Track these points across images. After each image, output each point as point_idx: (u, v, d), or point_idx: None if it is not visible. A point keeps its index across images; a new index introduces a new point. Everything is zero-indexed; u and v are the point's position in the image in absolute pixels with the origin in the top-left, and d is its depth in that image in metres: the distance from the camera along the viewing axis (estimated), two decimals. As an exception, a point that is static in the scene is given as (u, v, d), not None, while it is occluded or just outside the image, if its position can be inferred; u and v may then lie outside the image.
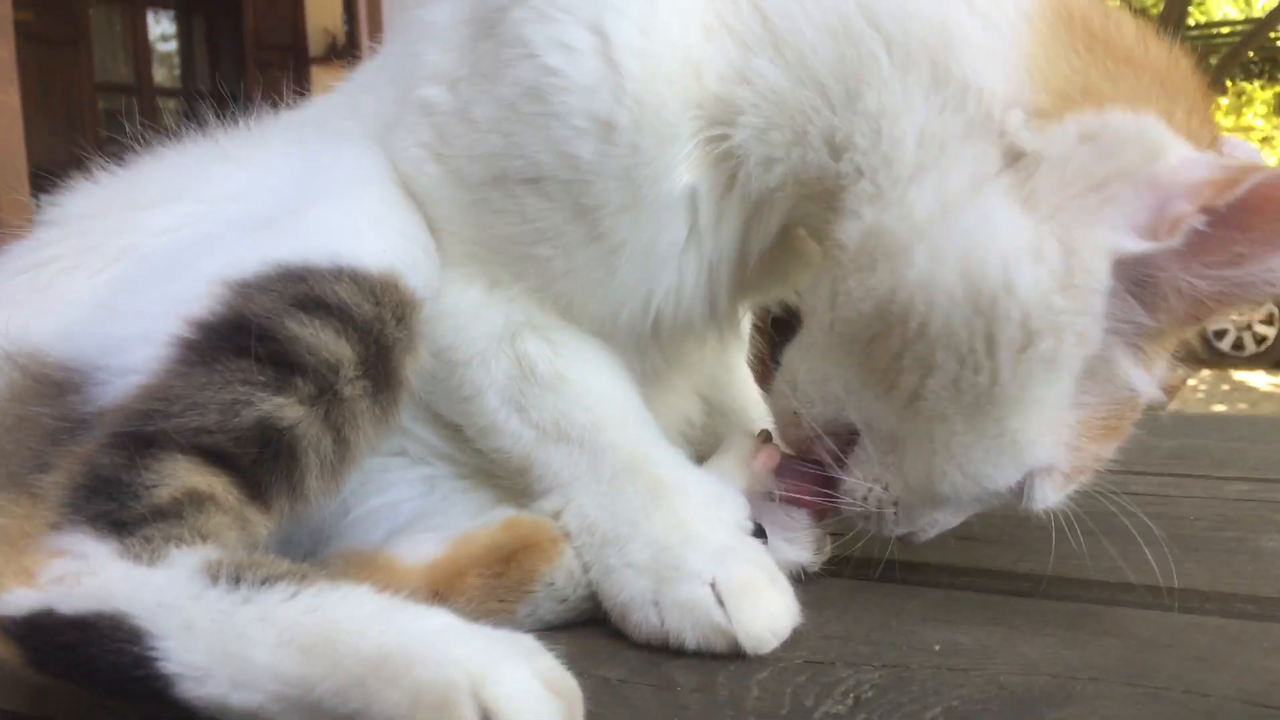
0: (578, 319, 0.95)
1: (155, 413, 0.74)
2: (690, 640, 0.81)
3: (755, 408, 1.22)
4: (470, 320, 0.94)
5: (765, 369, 1.29)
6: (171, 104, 8.39)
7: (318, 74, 7.86)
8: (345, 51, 7.94)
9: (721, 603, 0.81)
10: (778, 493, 0.95)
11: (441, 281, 0.93)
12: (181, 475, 0.73)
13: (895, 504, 0.90)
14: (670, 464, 0.91)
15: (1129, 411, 0.87)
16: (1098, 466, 0.89)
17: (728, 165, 0.90)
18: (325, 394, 0.78)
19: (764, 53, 0.86)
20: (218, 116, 1.02)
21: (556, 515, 0.90)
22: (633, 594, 0.84)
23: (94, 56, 7.62)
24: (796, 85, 0.86)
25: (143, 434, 0.73)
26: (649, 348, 1.01)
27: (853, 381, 0.89)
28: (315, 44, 8.25)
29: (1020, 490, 0.86)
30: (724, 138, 0.88)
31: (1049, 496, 0.87)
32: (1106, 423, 0.85)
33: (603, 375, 0.95)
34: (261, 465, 0.76)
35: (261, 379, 0.76)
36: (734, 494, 0.92)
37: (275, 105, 1.08)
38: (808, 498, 0.94)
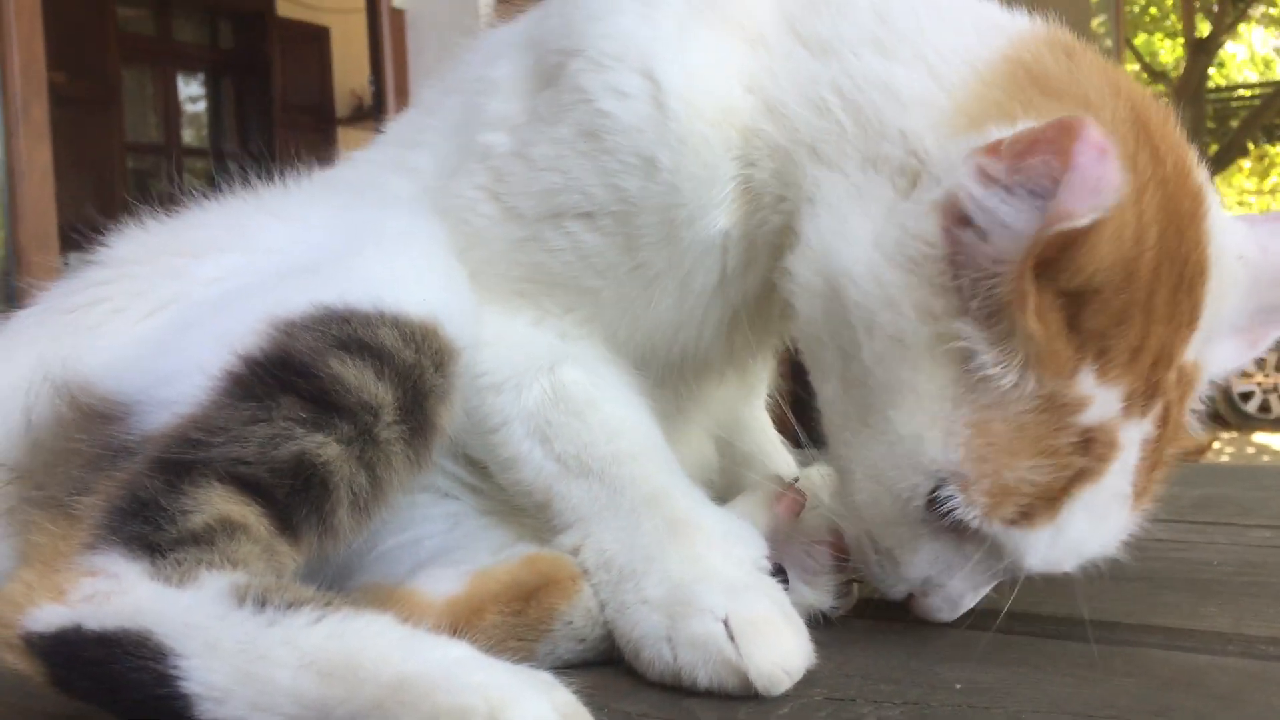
0: (624, 346, 0.99)
1: (197, 441, 0.76)
2: (702, 677, 0.80)
3: (774, 452, 1.23)
4: (513, 346, 0.96)
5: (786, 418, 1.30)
6: (200, 164, 8.52)
7: (344, 135, 7.99)
8: (371, 113, 8.06)
9: (734, 639, 0.80)
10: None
11: (484, 315, 0.95)
12: (216, 503, 0.74)
13: (875, 547, 0.90)
14: (689, 500, 0.92)
15: (1061, 433, 0.80)
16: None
17: (754, 208, 0.93)
18: (363, 435, 0.80)
19: (766, 117, 0.92)
20: (252, 175, 1.04)
21: (575, 551, 0.90)
22: (646, 630, 0.84)
23: (125, 117, 7.75)
24: (793, 145, 0.91)
25: (183, 461, 0.75)
26: (672, 381, 1.03)
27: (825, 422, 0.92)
28: (342, 106, 8.38)
29: (941, 507, 0.82)
30: (750, 178, 0.93)
31: (972, 517, 0.81)
32: (1024, 434, 0.80)
33: (631, 412, 0.97)
34: (294, 498, 0.77)
35: (302, 414, 0.78)
36: (752, 532, 0.91)
37: (305, 165, 1.10)
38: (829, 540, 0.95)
